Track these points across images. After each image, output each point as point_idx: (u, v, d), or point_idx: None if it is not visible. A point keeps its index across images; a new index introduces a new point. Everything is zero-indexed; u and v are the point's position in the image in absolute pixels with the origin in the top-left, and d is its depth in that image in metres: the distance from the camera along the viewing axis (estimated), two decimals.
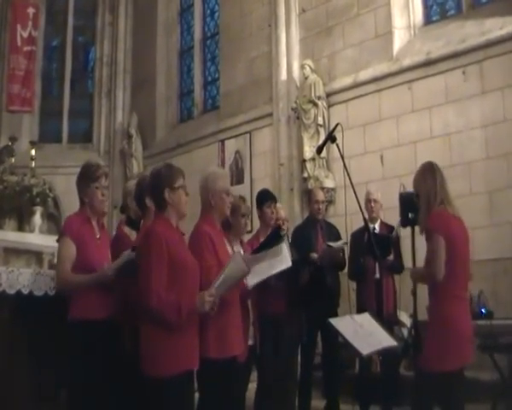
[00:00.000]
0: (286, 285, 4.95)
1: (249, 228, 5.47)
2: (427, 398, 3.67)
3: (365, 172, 7.73)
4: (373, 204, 5.83)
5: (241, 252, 4.29)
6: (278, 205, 5.66)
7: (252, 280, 3.99)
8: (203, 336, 3.36)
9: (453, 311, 3.60)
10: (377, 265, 5.41)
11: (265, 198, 5.38)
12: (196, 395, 3.50)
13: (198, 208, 3.91)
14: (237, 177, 9.71)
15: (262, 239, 4.81)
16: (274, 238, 4.37)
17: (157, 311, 3.09)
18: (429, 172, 3.80)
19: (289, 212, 7.89)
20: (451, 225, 3.68)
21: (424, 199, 3.77)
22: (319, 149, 5.44)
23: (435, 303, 3.68)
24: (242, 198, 4.66)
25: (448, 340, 3.53)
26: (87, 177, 3.88)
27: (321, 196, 6.06)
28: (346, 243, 5.66)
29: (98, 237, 3.91)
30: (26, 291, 4.05)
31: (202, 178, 3.92)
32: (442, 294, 3.62)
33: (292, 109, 8.95)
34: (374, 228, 5.71)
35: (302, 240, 5.62)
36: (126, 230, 4.27)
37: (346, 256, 5.87)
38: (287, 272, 4.45)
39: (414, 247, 5.62)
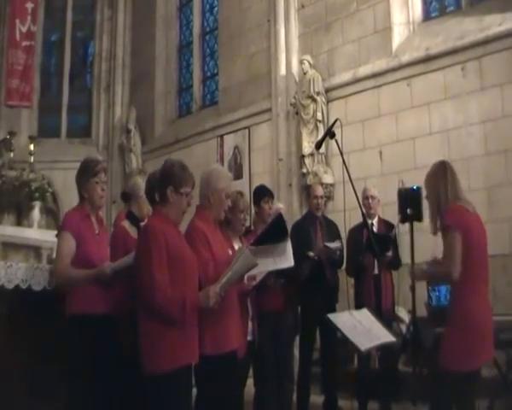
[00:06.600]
0: (286, 282, 4.96)
1: (247, 224, 5.44)
2: (447, 397, 3.55)
3: (364, 168, 7.74)
4: (370, 200, 5.81)
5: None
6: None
7: (251, 271, 3.95)
8: (199, 333, 3.34)
9: (474, 307, 3.51)
10: (376, 261, 5.42)
11: (263, 194, 5.38)
12: (194, 390, 3.50)
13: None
14: (236, 172, 9.66)
15: None
16: (278, 229, 4.28)
17: (162, 306, 3.08)
18: (439, 172, 3.73)
19: (288, 207, 7.88)
20: (467, 219, 3.61)
21: (433, 200, 3.70)
22: (318, 145, 5.42)
23: (455, 300, 3.61)
24: (240, 193, 4.59)
25: (469, 338, 3.45)
26: (86, 172, 3.88)
27: (319, 191, 6.06)
28: (342, 248, 5.65)
29: (97, 232, 3.92)
30: (24, 286, 4.05)
31: (205, 172, 3.86)
32: (462, 290, 3.53)
33: (291, 105, 8.95)
34: (372, 224, 5.70)
35: (301, 236, 5.61)
36: (126, 224, 4.17)
37: (344, 255, 5.86)
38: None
39: (413, 243, 5.61)
